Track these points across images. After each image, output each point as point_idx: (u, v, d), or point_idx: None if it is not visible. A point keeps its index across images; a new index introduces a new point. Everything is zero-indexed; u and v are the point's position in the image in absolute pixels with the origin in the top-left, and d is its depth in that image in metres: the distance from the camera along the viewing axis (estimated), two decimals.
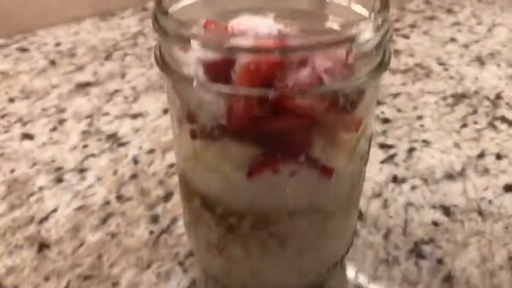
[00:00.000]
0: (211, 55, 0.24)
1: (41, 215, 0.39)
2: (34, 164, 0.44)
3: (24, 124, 0.50)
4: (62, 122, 0.50)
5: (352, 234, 0.33)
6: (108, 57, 0.63)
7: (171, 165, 0.44)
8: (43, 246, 0.36)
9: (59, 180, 0.42)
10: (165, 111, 0.52)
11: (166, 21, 0.24)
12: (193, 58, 0.25)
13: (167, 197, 0.40)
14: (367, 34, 0.23)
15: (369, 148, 0.29)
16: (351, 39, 0.23)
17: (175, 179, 0.42)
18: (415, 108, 0.52)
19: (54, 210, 0.39)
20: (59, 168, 0.44)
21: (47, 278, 0.33)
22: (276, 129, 0.25)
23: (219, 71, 0.24)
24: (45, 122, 0.50)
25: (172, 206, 0.39)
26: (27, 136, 0.48)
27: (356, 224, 0.33)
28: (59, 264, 0.35)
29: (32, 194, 0.41)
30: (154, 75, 0.59)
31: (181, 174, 0.30)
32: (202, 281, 0.33)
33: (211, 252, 0.31)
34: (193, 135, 0.27)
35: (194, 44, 0.23)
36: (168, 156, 0.45)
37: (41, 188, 0.41)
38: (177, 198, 0.40)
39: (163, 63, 0.26)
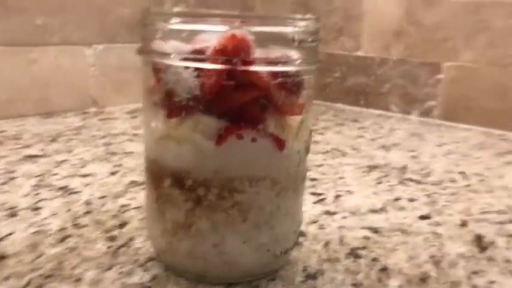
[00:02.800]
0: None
1: None
2: None
3: None
4: (12, 178, 0.52)
5: (299, 223, 0.37)
6: (53, 140, 0.67)
7: (124, 205, 0.47)
8: (1, 257, 0.36)
9: (13, 215, 0.43)
10: (113, 173, 0.55)
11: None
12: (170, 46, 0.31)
13: (122, 225, 0.43)
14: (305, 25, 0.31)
15: (310, 140, 0.36)
16: (296, 24, 0.31)
17: (129, 214, 0.45)
18: (336, 173, 0.60)
19: (11, 234, 0.40)
20: (13, 207, 0.45)
21: (7, 278, 0.34)
22: (240, 99, 0.31)
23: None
24: None
25: (128, 230, 0.42)
26: None
27: (302, 216, 0.38)
28: (18, 269, 0.35)
29: None
30: (101, 152, 0.63)
31: (152, 162, 0.34)
32: (163, 276, 0.35)
33: (178, 235, 0.34)
34: (170, 113, 0.32)
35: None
36: (120, 200, 0.48)
37: None
38: (132, 225, 0.43)
39: (147, 51, 0.32)
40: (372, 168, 0.63)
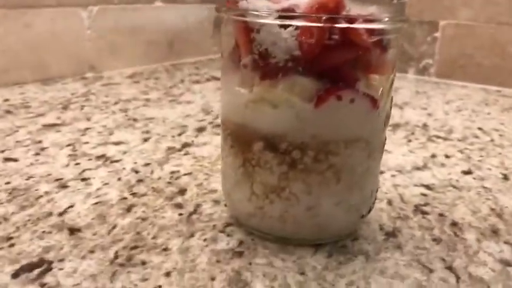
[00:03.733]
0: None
1: (58, 210, 0.37)
2: (30, 177, 0.43)
3: (2, 151, 0.48)
4: (43, 149, 0.49)
5: (378, 182, 0.37)
6: (65, 108, 0.64)
7: (173, 172, 0.45)
8: (73, 230, 0.35)
9: (64, 187, 0.41)
10: (145, 140, 0.53)
11: None
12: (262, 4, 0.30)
13: (182, 191, 0.42)
14: None
15: (392, 101, 0.36)
16: None
17: (183, 180, 0.44)
18: None
19: (71, 206, 0.38)
20: (59, 178, 0.43)
21: (91, 251, 0.32)
22: (340, 59, 0.30)
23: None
24: (25, 150, 0.49)
25: (190, 197, 0.41)
26: (10, 159, 0.46)
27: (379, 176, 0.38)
28: (98, 241, 0.34)
29: (39, 197, 0.39)
30: (121, 118, 0.60)
31: (239, 126, 0.33)
32: (249, 240, 0.35)
33: (269, 199, 0.33)
34: (264, 75, 0.31)
35: None
36: (167, 167, 0.46)
37: (47, 192, 0.40)
38: (192, 191, 0.41)
39: (235, 10, 0.30)
40: (396, 127, 0.64)
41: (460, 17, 0.91)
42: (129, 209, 0.38)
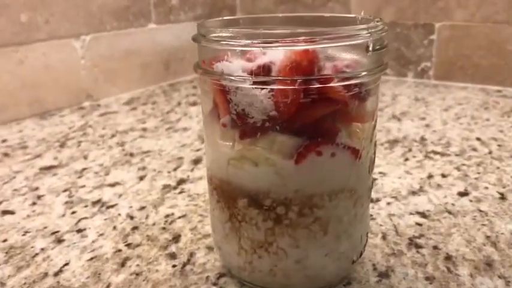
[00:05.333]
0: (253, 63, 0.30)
1: (54, 270, 0.38)
2: (26, 232, 0.43)
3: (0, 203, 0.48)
4: (39, 197, 0.50)
5: (368, 226, 0.37)
6: (62, 145, 0.64)
7: (168, 215, 0.46)
8: None
9: (60, 241, 0.42)
10: (141, 178, 0.54)
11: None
12: (237, 66, 0.30)
13: (176, 239, 0.42)
14: (377, 33, 0.30)
15: (376, 145, 0.35)
16: (370, 31, 0.30)
17: (177, 225, 0.44)
18: None
19: (67, 264, 0.39)
20: (55, 232, 0.43)
21: None
22: (317, 115, 0.30)
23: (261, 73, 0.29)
24: (22, 199, 0.49)
25: (184, 244, 0.41)
26: (8, 212, 0.47)
27: (369, 219, 0.38)
28: None
29: (35, 255, 0.40)
30: (118, 154, 0.61)
31: (223, 182, 0.33)
32: None
33: (257, 254, 0.33)
34: (243, 134, 0.31)
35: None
36: (162, 209, 0.47)
37: (43, 249, 0.41)
38: (186, 237, 0.42)
39: (210, 72, 0.30)
40: (393, 143, 0.63)
41: (455, 18, 0.90)
42: (123, 263, 0.38)
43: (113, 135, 0.68)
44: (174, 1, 0.98)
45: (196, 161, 0.58)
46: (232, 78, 0.30)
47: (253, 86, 0.29)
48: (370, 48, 0.31)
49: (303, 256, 0.33)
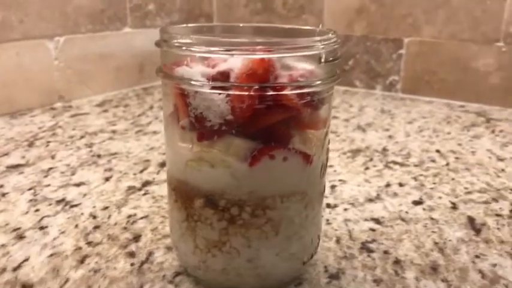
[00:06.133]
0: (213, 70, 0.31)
1: (12, 265, 0.38)
2: None
3: None
4: (4, 195, 0.50)
5: (320, 229, 0.39)
6: (31, 145, 0.64)
7: (131, 216, 0.47)
8: (26, 286, 0.36)
9: (21, 237, 0.42)
10: (107, 179, 0.54)
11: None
12: (196, 71, 0.31)
13: (137, 238, 0.43)
14: (330, 45, 0.32)
15: (328, 152, 0.37)
16: (323, 43, 0.32)
17: (138, 225, 0.45)
18: None
19: (27, 259, 0.39)
20: (17, 228, 0.44)
21: None
22: (271, 121, 0.32)
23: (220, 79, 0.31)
24: None
25: (144, 244, 0.42)
26: None
27: (321, 222, 0.39)
28: None
29: None
30: (85, 155, 0.62)
31: (181, 182, 0.35)
32: None
33: (211, 253, 0.34)
34: (201, 136, 0.32)
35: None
36: (125, 210, 0.48)
37: (4, 245, 0.41)
38: (147, 237, 0.43)
39: (171, 77, 0.32)
40: (356, 152, 0.65)
41: (423, 34, 0.93)
42: (82, 260, 0.39)
43: (82, 137, 0.68)
44: (151, 6, 0.99)
45: (163, 164, 0.59)
46: (192, 82, 0.31)
47: (211, 91, 0.31)
48: (323, 59, 0.32)
49: (255, 255, 0.34)
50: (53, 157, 0.61)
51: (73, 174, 0.56)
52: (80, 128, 0.72)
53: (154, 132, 0.71)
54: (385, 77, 0.98)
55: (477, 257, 0.41)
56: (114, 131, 0.71)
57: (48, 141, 0.66)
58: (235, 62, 0.31)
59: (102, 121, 0.76)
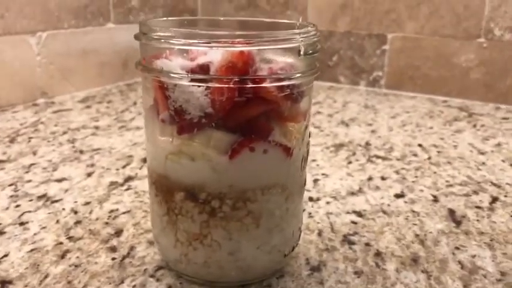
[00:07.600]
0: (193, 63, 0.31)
1: None
2: None
3: None
4: None
5: (301, 220, 0.39)
6: (12, 141, 0.64)
7: (112, 211, 0.46)
8: (5, 282, 0.36)
9: (1, 233, 0.42)
10: (89, 175, 0.54)
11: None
12: (175, 64, 0.31)
13: (118, 233, 0.43)
14: (310, 37, 0.32)
15: (309, 143, 0.37)
16: (302, 36, 0.32)
17: (120, 220, 0.45)
18: None
19: (6, 255, 0.39)
20: None
21: None
22: (251, 114, 0.32)
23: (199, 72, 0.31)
24: None
25: (126, 238, 0.42)
26: None
27: (302, 215, 0.40)
28: None
29: None
30: (67, 150, 0.61)
31: (161, 176, 0.34)
32: (177, 284, 0.36)
33: (192, 246, 0.34)
34: (181, 130, 0.32)
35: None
36: (106, 205, 0.47)
37: None
38: (128, 232, 0.43)
39: (151, 69, 0.32)
40: (339, 147, 0.66)
41: (406, 30, 0.94)
42: (63, 255, 0.39)
43: (64, 132, 0.68)
44: (134, 2, 0.98)
45: (146, 160, 0.59)
46: (171, 75, 0.31)
47: (191, 84, 0.31)
48: (302, 52, 0.32)
49: (236, 248, 0.34)
50: (34, 153, 0.60)
51: (55, 170, 0.55)
52: (63, 124, 0.72)
53: (138, 128, 0.71)
54: (369, 73, 0.99)
55: (457, 248, 0.42)
56: (97, 127, 0.71)
57: (30, 137, 0.65)
58: (215, 55, 0.31)
59: (85, 117, 0.75)
